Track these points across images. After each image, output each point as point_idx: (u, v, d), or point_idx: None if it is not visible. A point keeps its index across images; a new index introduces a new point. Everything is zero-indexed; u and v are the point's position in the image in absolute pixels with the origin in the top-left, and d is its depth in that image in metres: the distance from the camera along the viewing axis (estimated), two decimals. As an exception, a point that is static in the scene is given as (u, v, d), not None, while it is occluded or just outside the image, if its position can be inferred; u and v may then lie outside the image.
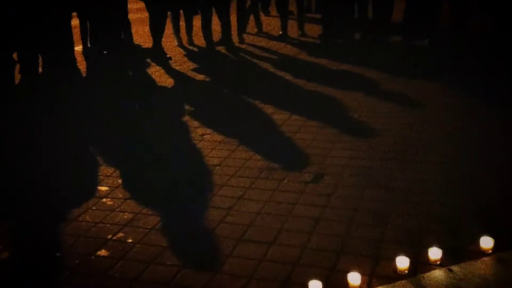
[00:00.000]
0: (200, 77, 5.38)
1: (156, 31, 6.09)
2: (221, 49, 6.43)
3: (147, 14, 6.24)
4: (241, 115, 4.19)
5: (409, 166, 3.05)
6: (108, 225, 2.60)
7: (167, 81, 5.28)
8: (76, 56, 5.65)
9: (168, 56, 6.12)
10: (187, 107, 4.44)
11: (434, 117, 3.83)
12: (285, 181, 2.95)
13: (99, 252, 2.37)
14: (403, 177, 2.92)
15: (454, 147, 3.27)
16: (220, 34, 6.60)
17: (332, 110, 4.20)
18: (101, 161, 3.39)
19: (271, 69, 5.50)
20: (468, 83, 4.51)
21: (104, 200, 2.86)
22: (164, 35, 6.21)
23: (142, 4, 6.21)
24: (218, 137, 3.67)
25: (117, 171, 3.21)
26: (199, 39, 6.75)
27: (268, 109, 4.24)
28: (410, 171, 2.99)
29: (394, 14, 6.33)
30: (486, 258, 2.16)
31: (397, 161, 3.12)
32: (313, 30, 7.14)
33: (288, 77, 5.18)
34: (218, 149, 3.47)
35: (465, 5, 6.13)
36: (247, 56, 6.17)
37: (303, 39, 6.87)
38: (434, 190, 2.75)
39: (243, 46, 6.63)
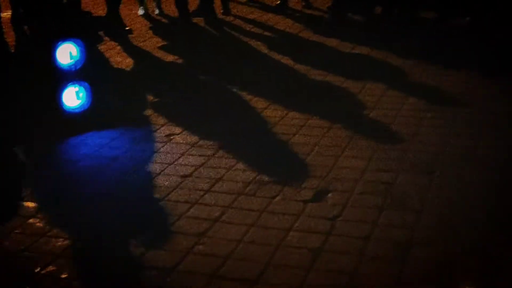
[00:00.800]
0: (170, 57, 5.39)
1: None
2: (199, 21, 6.44)
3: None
4: (223, 110, 4.19)
5: (441, 183, 3.06)
6: (36, 254, 2.58)
7: (125, 62, 5.28)
8: (3, 25, 5.61)
9: (127, 28, 6.12)
10: (150, 97, 4.44)
11: (477, 120, 3.84)
12: (277, 199, 2.96)
13: (23, 290, 2.36)
14: (432, 196, 2.93)
15: (501, 161, 3.27)
16: (198, 2, 6.59)
17: (342, 106, 4.22)
18: (29, 169, 3.36)
19: (264, 51, 5.52)
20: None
21: (32, 221, 2.85)
22: (122, 0, 6.20)
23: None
24: (191, 139, 3.68)
25: (50, 183, 3.20)
26: (170, 7, 6.74)
27: (259, 102, 4.25)
28: (442, 190, 3.00)
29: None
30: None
31: (424, 175, 3.13)
32: (321, 0, 7.17)
33: (286, 61, 5.19)
34: (190, 155, 3.47)
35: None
36: (233, 32, 6.19)
37: (308, 11, 6.91)
38: (471, 215, 2.75)
39: (229, 18, 6.65)
